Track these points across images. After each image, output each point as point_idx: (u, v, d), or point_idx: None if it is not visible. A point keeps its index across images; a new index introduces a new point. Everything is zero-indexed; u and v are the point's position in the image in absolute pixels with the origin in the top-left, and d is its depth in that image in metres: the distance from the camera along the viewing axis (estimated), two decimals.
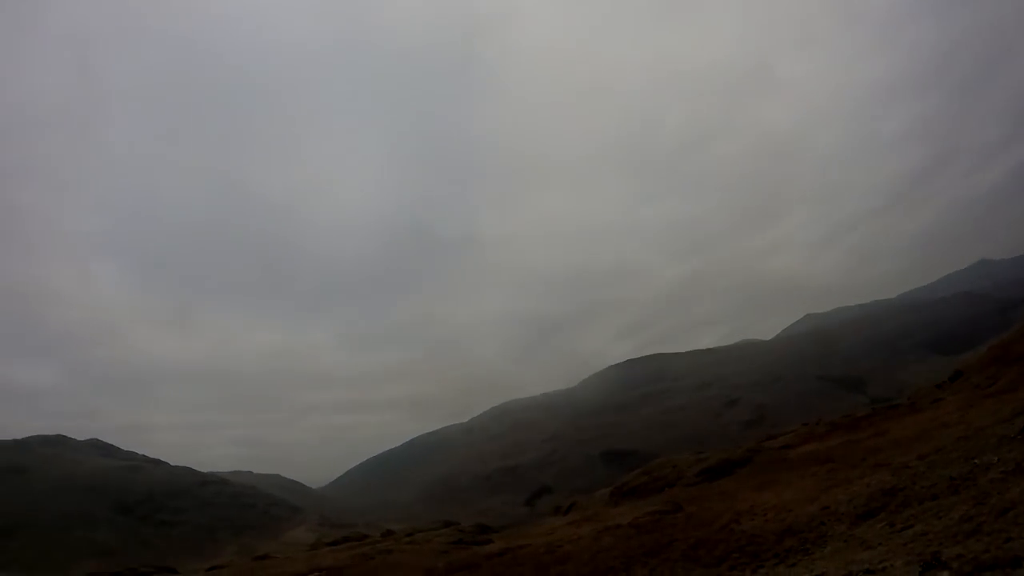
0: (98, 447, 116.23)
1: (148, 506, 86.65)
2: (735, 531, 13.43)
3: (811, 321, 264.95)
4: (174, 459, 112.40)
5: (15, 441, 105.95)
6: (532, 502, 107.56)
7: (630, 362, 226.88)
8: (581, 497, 35.09)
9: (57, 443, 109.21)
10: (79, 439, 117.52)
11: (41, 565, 60.08)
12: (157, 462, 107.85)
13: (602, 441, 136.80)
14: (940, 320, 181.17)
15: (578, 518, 24.36)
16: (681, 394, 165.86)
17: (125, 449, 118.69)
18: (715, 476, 25.10)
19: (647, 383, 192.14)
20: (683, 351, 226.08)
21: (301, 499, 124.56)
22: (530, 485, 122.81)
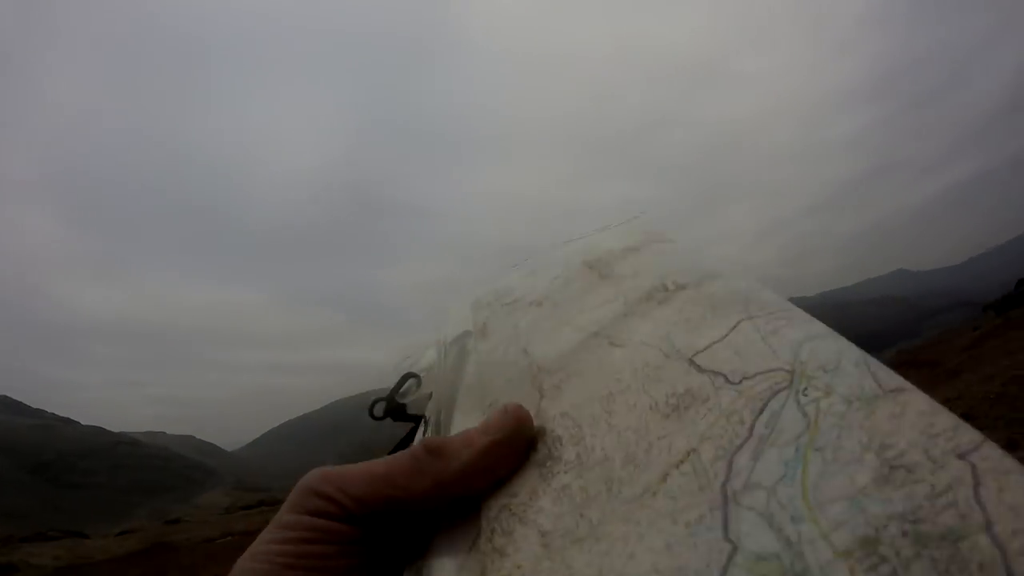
0: (7, 405, 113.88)
1: (59, 467, 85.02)
2: None
3: None
4: (91, 418, 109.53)
5: None
6: None
7: None
8: None
9: None
10: None
11: None
12: (68, 421, 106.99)
13: None
14: (856, 320, 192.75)
15: None
16: None
17: (34, 407, 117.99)
18: None
19: None
20: None
21: (216, 461, 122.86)
22: None
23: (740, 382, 0.25)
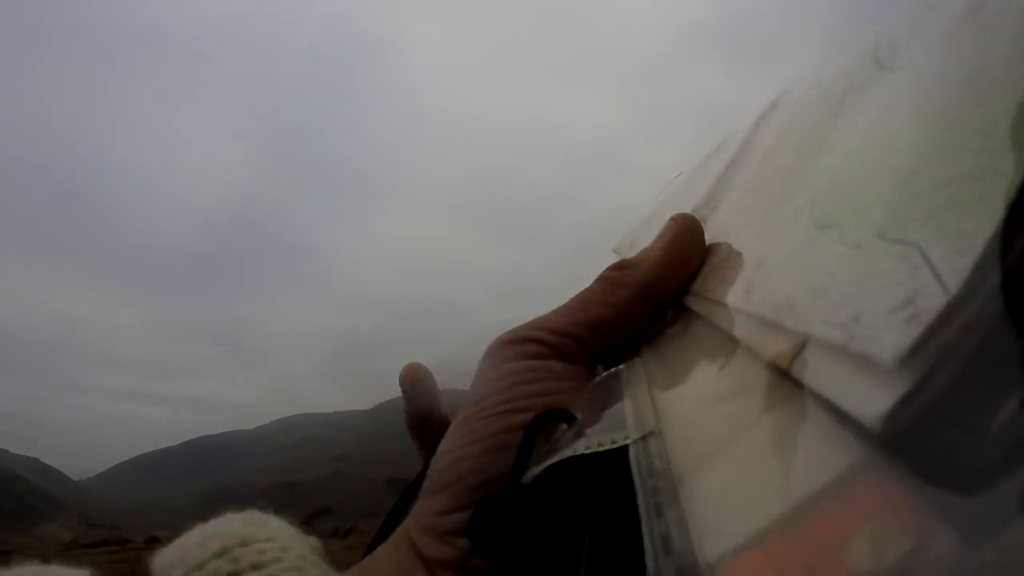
0: None
1: None
2: None
3: None
4: None
5: None
6: (311, 521, 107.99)
7: None
8: (363, 521, 34.09)
9: None
10: None
11: None
12: None
13: (390, 467, 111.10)
14: None
15: (357, 543, 28.33)
16: None
17: None
18: None
19: None
20: None
21: (61, 490, 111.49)
22: (311, 504, 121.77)
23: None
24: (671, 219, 0.30)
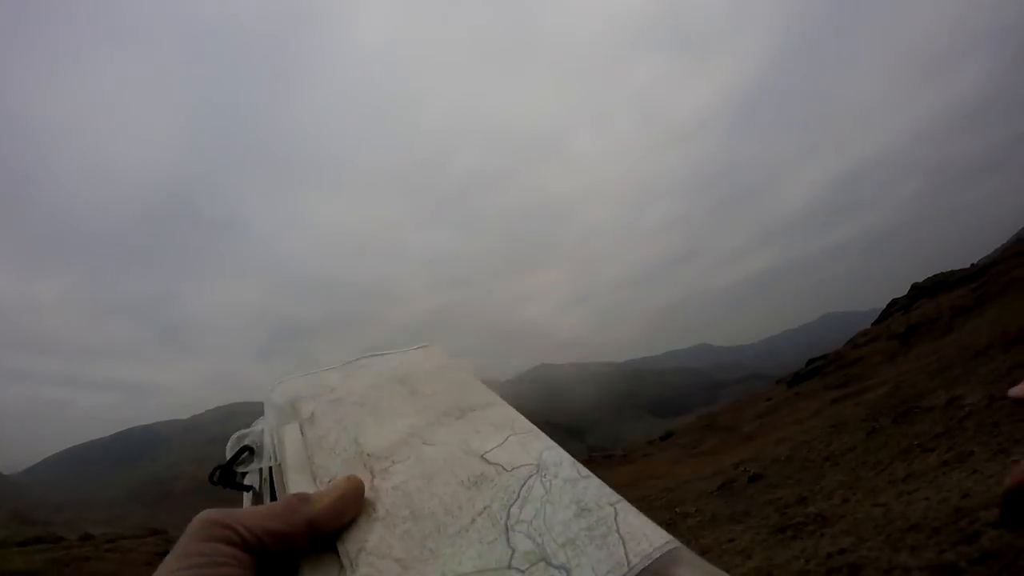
0: None
1: None
2: None
3: (545, 370, 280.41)
4: None
5: None
6: None
7: None
8: None
9: None
10: None
11: None
12: None
13: None
14: (660, 387, 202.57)
15: None
16: None
17: None
18: None
19: None
20: None
21: None
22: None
23: (511, 470, 0.55)
24: (344, 477, 0.47)
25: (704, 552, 7.80)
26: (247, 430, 0.55)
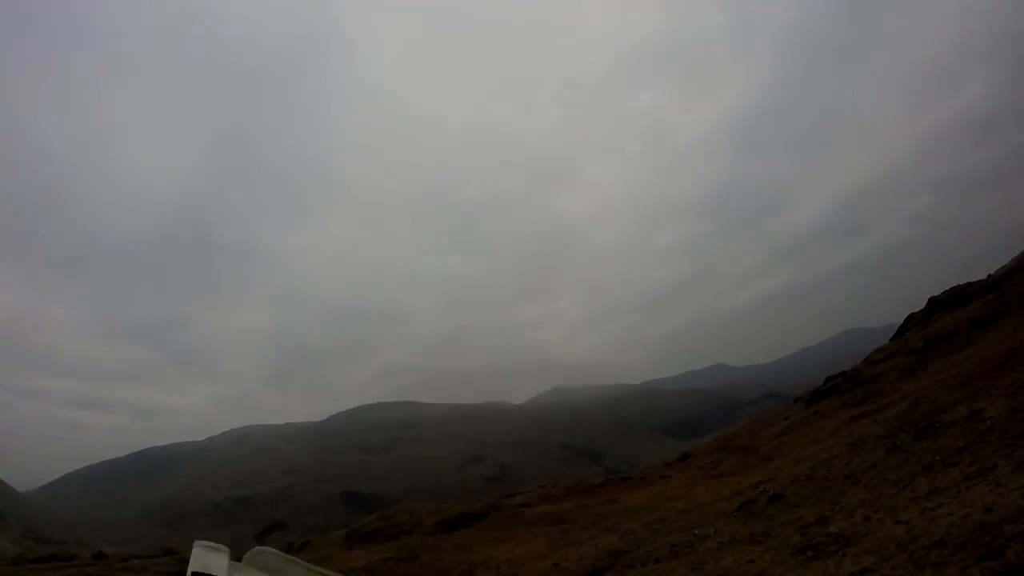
0: None
1: None
2: None
3: (560, 393, 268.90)
4: None
5: None
6: (263, 537, 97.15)
7: (383, 405, 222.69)
8: (315, 537, 34.18)
9: None
10: None
11: None
12: None
13: (343, 481, 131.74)
14: (676, 408, 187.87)
15: (310, 559, 20.83)
16: (429, 444, 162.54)
17: None
18: (453, 527, 24.70)
19: (397, 428, 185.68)
20: (437, 403, 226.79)
21: (6, 502, 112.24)
22: (263, 518, 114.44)
23: None
24: None
25: (723, 575, 7.78)
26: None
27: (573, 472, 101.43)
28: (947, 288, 40.80)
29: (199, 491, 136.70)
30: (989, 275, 40.11)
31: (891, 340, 40.18)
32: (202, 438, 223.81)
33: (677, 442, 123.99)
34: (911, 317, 41.70)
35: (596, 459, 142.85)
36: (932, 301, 40.34)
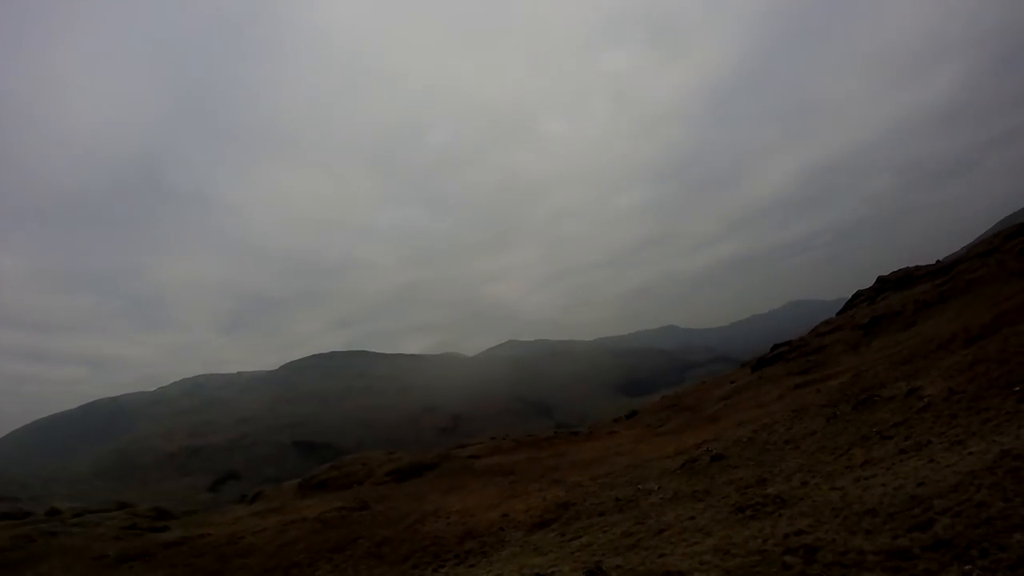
0: None
1: None
2: (419, 531, 13.75)
3: (513, 347, 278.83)
4: None
5: None
6: (217, 487, 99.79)
7: (336, 354, 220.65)
8: (269, 487, 33.68)
9: None
10: None
11: None
12: None
13: (297, 430, 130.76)
14: (627, 366, 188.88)
15: (264, 508, 22.87)
16: (382, 394, 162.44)
17: None
18: (405, 477, 24.69)
19: (350, 378, 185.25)
20: (390, 352, 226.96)
21: None
22: (217, 469, 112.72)
23: None
24: None
25: (664, 529, 8.06)
26: None
27: (524, 425, 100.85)
28: (896, 269, 42.47)
29: (152, 443, 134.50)
30: (938, 261, 42.02)
31: (838, 314, 41.84)
32: (153, 388, 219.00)
33: (627, 399, 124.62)
34: (859, 293, 43.47)
35: (547, 413, 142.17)
36: (881, 280, 41.99)
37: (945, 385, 10.39)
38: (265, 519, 20.00)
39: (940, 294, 27.94)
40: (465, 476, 22.27)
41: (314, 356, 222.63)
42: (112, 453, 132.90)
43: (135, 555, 16.18)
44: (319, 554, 13.75)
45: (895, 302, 32.33)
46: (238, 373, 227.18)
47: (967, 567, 4.29)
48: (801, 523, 6.38)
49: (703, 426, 20.58)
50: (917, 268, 40.84)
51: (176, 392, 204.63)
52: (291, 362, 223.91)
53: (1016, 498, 4.97)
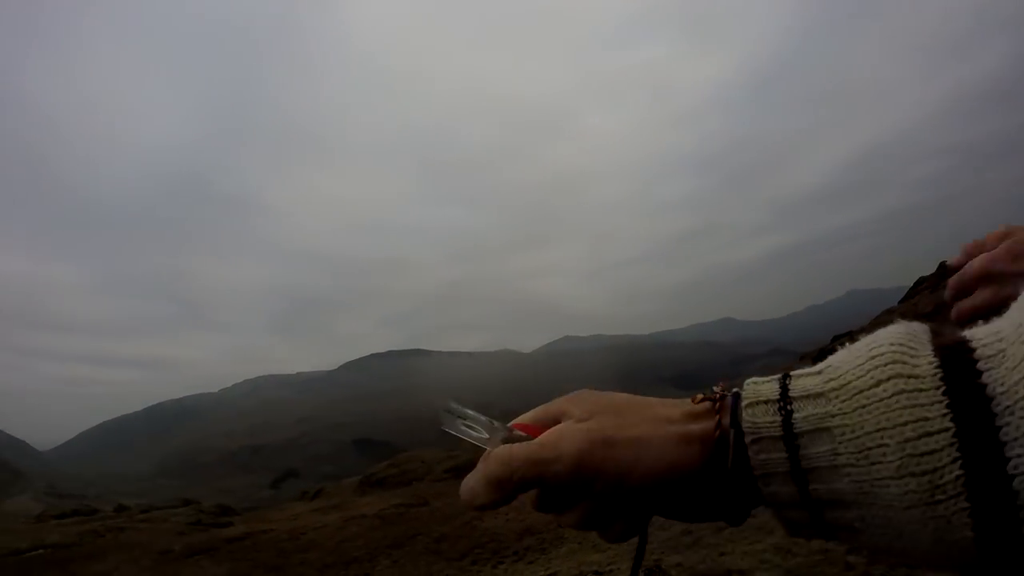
0: None
1: None
2: (478, 528, 27.63)
3: (569, 343, 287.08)
4: None
5: None
6: (278, 485, 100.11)
7: (392, 353, 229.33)
8: (329, 484, 31.02)
9: None
10: None
11: None
12: None
13: (355, 428, 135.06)
14: (682, 360, 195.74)
15: (324, 505, 20.97)
16: (438, 391, 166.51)
17: None
18: (464, 474, 38.80)
19: (406, 376, 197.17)
20: (445, 351, 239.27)
21: (27, 462, 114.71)
22: (277, 467, 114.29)
23: None
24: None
25: (724, 527, 8.00)
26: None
27: None
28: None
29: (214, 442, 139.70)
30: None
31: (900, 303, 39.44)
32: (215, 390, 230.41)
33: (683, 393, 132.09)
34: (921, 280, 40.84)
35: None
36: (943, 266, 39.21)
37: None
38: (325, 515, 21.00)
39: None
40: None
41: (371, 356, 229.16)
42: (175, 453, 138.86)
43: (200, 549, 17.27)
44: (378, 550, 14.32)
45: None
46: (296, 373, 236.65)
47: None
48: None
49: None
50: None
51: (237, 393, 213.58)
52: (350, 362, 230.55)
53: None
